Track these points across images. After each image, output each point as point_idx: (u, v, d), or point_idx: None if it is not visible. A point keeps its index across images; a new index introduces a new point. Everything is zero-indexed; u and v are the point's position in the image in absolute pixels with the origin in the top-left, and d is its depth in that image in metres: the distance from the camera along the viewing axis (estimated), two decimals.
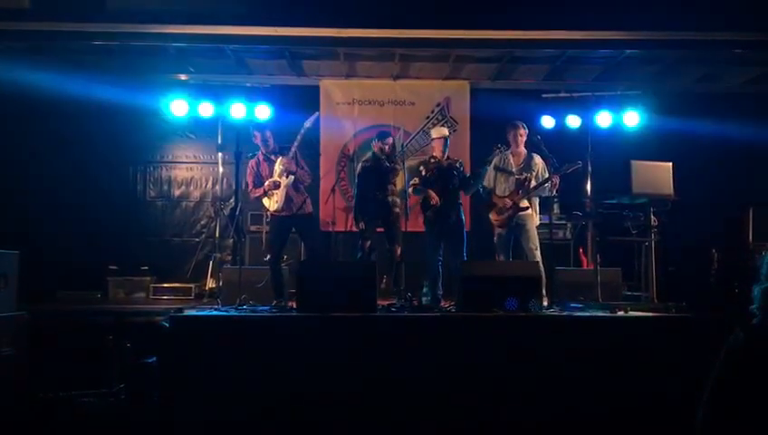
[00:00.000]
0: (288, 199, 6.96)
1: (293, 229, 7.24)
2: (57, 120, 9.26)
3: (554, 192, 7.11)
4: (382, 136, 7.33)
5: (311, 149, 8.68)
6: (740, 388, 2.50)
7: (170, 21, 7.63)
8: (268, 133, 7.13)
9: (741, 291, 7.02)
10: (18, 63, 8.51)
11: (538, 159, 7.17)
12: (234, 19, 7.61)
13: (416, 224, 7.30)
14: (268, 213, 7.13)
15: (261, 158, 7.11)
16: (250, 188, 7.13)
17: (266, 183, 6.97)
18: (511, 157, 7.23)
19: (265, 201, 7.07)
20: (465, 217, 7.28)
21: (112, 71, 9.16)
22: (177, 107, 9.08)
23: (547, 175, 7.04)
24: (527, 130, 7.24)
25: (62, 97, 8.79)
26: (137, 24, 7.65)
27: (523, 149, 7.25)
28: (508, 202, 7.05)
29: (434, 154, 7.24)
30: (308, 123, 7.14)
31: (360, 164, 7.44)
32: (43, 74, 8.70)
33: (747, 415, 2.47)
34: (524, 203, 7.04)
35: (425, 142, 9.48)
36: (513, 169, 7.17)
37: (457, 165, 7.22)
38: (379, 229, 7.24)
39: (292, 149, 6.94)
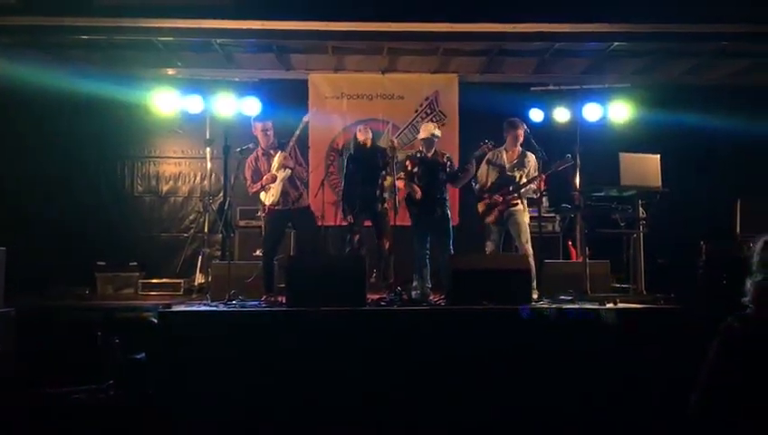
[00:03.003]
0: (284, 193, 6.96)
1: (289, 223, 7.25)
2: (44, 115, 9.21)
3: (539, 194, 7.12)
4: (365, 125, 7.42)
5: (305, 143, 8.69)
6: (733, 376, 2.52)
7: (158, 15, 7.61)
8: (269, 124, 7.11)
9: (728, 282, 7.05)
10: (4, 58, 8.46)
11: (531, 157, 7.13)
12: (221, 13, 7.60)
13: (404, 218, 7.30)
14: (264, 207, 7.13)
15: (260, 153, 7.10)
16: (248, 183, 7.12)
17: (264, 178, 6.97)
18: (504, 153, 7.20)
19: (262, 195, 7.07)
20: (453, 211, 7.27)
21: (99, 65, 9.12)
22: (165, 102, 9.05)
23: (537, 173, 7.01)
24: (525, 129, 7.20)
25: (49, 92, 8.75)
26: (124, 19, 7.63)
27: (518, 147, 7.22)
28: (498, 198, 7.05)
29: (420, 148, 7.23)
30: (306, 118, 7.14)
31: (346, 155, 7.44)
32: (29, 69, 8.65)
33: (740, 402, 2.49)
34: (514, 199, 7.04)
35: (414, 136, 9.48)
36: (506, 166, 7.16)
37: (444, 159, 7.20)
38: (366, 223, 7.24)
39: (290, 144, 6.94)
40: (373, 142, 7.34)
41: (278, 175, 6.93)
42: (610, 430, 5.21)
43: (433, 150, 7.15)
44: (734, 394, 2.52)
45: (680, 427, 2.74)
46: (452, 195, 7.60)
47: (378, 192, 7.07)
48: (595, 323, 5.55)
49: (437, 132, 7.25)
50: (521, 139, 7.16)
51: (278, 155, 6.98)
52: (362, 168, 7.15)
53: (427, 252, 7.01)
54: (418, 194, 6.95)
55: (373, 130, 7.55)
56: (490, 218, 7.08)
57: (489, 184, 7.17)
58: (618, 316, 5.64)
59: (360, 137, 7.28)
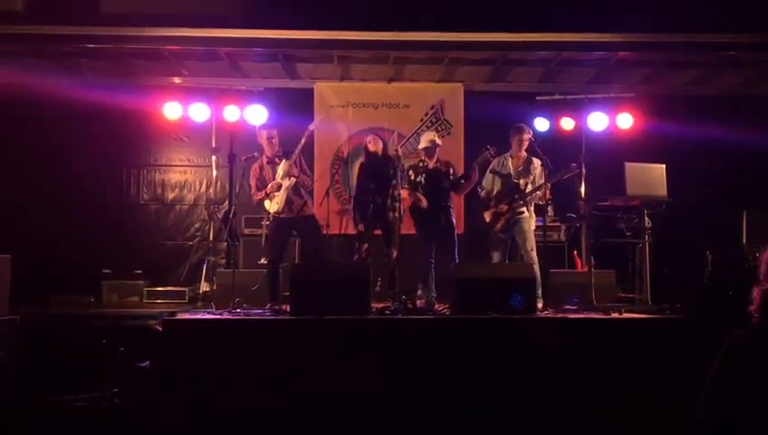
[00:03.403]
0: (288, 202, 6.99)
1: (293, 231, 7.26)
2: (50, 123, 9.23)
3: (544, 201, 7.12)
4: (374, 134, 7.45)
5: (310, 152, 8.72)
6: (739, 387, 2.49)
7: (164, 24, 7.63)
8: (274, 132, 7.16)
9: (735, 292, 7.03)
10: (10, 66, 8.49)
11: (537, 163, 7.16)
12: (227, 22, 7.62)
13: (409, 227, 7.30)
14: (269, 215, 7.15)
15: (264, 161, 7.14)
16: (253, 191, 7.17)
17: (269, 186, 6.99)
18: (510, 160, 7.24)
19: (266, 203, 7.10)
20: (458, 219, 7.28)
21: (106, 74, 9.16)
22: (171, 110, 9.06)
23: (543, 180, 7.02)
24: (531, 134, 7.23)
25: (55, 100, 8.79)
26: (130, 28, 7.66)
27: (523, 153, 7.25)
28: (504, 206, 7.06)
29: (422, 158, 7.24)
30: (312, 126, 7.17)
31: (352, 163, 7.45)
32: (35, 77, 8.68)
33: (746, 415, 2.47)
34: (520, 208, 7.05)
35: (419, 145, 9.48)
36: (512, 173, 7.19)
37: (446, 167, 7.21)
38: (376, 232, 7.24)
39: (296, 153, 6.96)
40: (384, 151, 7.34)
41: (283, 183, 6.95)
42: None
43: (435, 159, 7.16)
44: (740, 406, 2.49)
45: None
46: (457, 203, 7.61)
47: (389, 201, 7.06)
48: (601, 333, 5.51)
49: (438, 140, 7.27)
50: (526, 144, 7.19)
51: (283, 163, 7.00)
52: (374, 177, 7.16)
53: (432, 261, 7.01)
54: (423, 203, 6.96)
55: (381, 137, 7.55)
56: (497, 227, 7.08)
57: (495, 192, 7.18)
58: (623, 326, 5.62)
59: (371, 147, 7.29)
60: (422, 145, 7.25)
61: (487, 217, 7.18)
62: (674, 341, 5.43)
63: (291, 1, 7.85)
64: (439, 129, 9.32)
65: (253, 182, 7.15)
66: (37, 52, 8.45)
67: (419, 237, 7.11)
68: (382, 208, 7.07)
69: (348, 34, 7.76)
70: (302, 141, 7.01)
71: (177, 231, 9.85)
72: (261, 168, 7.14)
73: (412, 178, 7.10)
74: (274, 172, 7.05)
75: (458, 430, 5.21)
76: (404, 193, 6.98)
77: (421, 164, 7.19)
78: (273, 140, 7.11)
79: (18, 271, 6.50)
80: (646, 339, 5.49)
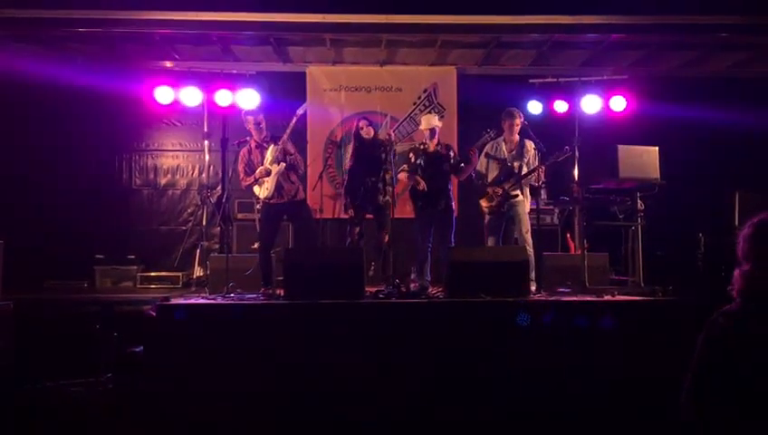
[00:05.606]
0: (278, 187, 6.94)
1: (285, 217, 7.24)
2: (41, 108, 9.17)
3: (539, 183, 7.13)
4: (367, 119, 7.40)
5: (302, 136, 8.68)
6: (720, 371, 2.50)
7: (155, 7, 7.58)
8: (261, 117, 7.10)
9: (727, 275, 7.04)
10: (0, 51, 8.43)
11: (530, 146, 7.17)
12: (218, 5, 7.57)
13: (404, 210, 7.29)
14: (259, 201, 7.12)
15: (253, 145, 7.09)
16: (241, 176, 7.10)
17: (258, 171, 6.94)
18: (503, 144, 7.23)
19: (256, 189, 7.05)
20: (454, 203, 7.27)
21: (96, 58, 9.10)
22: (163, 94, 8.98)
23: (537, 162, 7.04)
24: (522, 119, 7.22)
25: (46, 85, 8.71)
26: (121, 11, 7.60)
27: (516, 137, 7.24)
28: (499, 190, 7.06)
29: (423, 140, 7.22)
30: (300, 111, 7.12)
31: (345, 148, 7.42)
32: (26, 62, 8.62)
33: (728, 398, 2.48)
34: (515, 190, 7.05)
35: (412, 128, 9.46)
36: (506, 157, 7.18)
37: (447, 151, 7.20)
38: (368, 216, 7.23)
39: (284, 137, 6.92)
40: (374, 136, 7.31)
41: (272, 169, 6.90)
42: (609, 422, 5.21)
43: (436, 141, 7.14)
44: (723, 388, 2.50)
45: (675, 423, 2.72)
46: (453, 187, 7.58)
47: (380, 185, 7.04)
48: (593, 316, 5.53)
49: (438, 123, 7.25)
50: (517, 128, 7.18)
51: (271, 148, 6.95)
52: (365, 161, 7.13)
53: (430, 245, 7.00)
54: (422, 186, 6.93)
55: (372, 122, 7.51)
56: (491, 211, 7.08)
57: (490, 177, 7.17)
58: (616, 309, 5.63)
59: (363, 132, 7.24)
60: (423, 127, 7.22)
61: (482, 201, 7.17)
62: (666, 323, 5.45)
63: None
64: (432, 112, 9.29)
65: (241, 167, 7.10)
66: (26, 36, 8.39)
67: (418, 221, 7.10)
68: (373, 192, 7.05)
69: (340, 17, 7.71)
70: (291, 125, 6.97)
71: (170, 216, 9.83)
72: (249, 152, 7.09)
73: (412, 160, 7.07)
74: (263, 157, 7.00)
75: (450, 413, 5.23)
76: (402, 176, 6.97)
77: (421, 146, 7.16)
78: (261, 126, 7.06)
79: (11, 257, 6.49)
80: (638, 321, 5.50)
